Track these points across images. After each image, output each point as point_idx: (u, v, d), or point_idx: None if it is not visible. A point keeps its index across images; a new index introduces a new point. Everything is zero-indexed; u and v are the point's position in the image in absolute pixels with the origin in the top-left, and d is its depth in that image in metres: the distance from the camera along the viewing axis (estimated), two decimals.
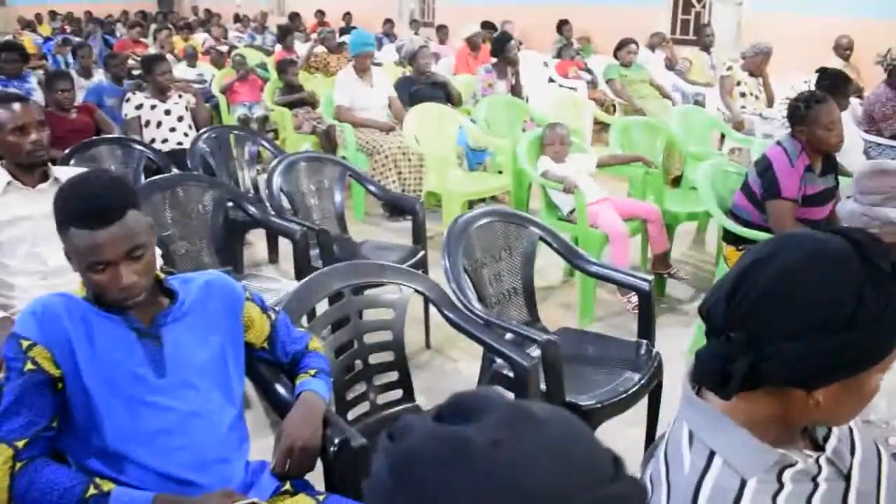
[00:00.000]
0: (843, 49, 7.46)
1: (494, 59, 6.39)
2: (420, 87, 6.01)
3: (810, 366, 0.93)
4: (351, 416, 2.14)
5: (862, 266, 0.93)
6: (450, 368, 3.41)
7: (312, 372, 1.76)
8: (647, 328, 2.69)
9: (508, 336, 2.42)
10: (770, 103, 6.22)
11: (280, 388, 1.78)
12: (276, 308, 1.86)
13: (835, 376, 0.95)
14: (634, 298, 3.84)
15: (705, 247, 5.02)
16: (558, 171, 4.14)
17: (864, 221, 1.68)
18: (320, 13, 13.86)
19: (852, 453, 1.08)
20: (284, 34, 9.13)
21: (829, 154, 3.20)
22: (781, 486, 0.98)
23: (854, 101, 5.09)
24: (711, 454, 0.99)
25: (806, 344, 0.92)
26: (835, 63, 6.70)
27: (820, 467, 1.02)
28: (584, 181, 4.11)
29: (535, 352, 2.29)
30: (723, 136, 5.89)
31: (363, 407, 2.18)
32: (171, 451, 1.53)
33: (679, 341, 3.52)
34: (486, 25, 9.68)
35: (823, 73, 4.44)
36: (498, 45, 6.37)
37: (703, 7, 10.12)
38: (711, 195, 3.44)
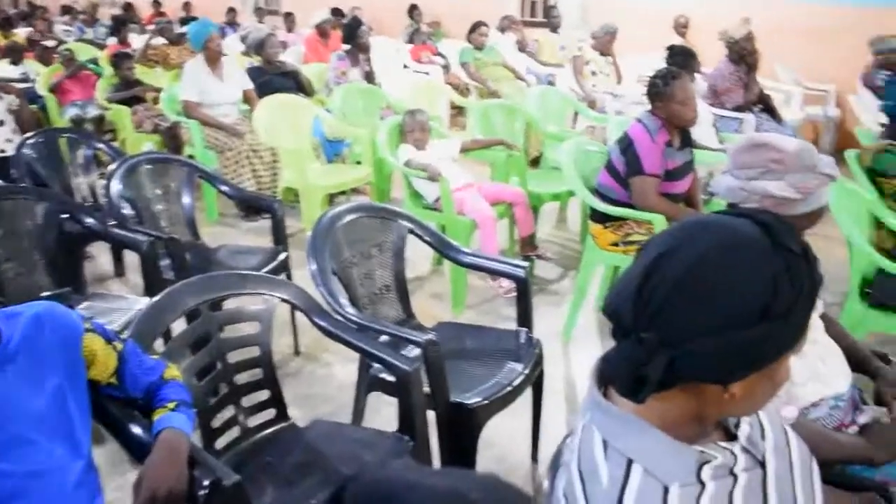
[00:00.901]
0: (681, 27, 7.84)
1: (347, 47, 6.21)
2: (269, 78, 5.72)
3: (727, 361, 0.89)
4: (220, 443, 1.95)
5: (774, 251, 0.89)
6: (322, 374, 3.24)
7: (171, 405, 1.55)
8: (525, 315, 2.63)
9: (384, 338, 2.29)
10: (619, 81, 6.39)
11: (135, 429, 1.55)
12: (123, 335, 1.63)
13: (751, 368, 0.90)
14: (506, 283, 3.82)
15: (568, 225, 5.11)
16: (421, 158, 4.04)
17: (743, 196, 1.68)
18: (156, 3, 13.04)
19: (763, 437, 1.06)
20: (119, 26, 8.61)
21: (685, 128, 3.27)
22: (703, 486, 0.94)
23: (697, 76, 5.29)
24: (629, 463, 0.94)
25: (723, 339, 0.87)
26: (674, 41, 6.99)
27: (736, 457, 0.99)
28: (448, 167, 4.03)
29: (414, 352, 2.18)
30: (576, 115, 6.00)
31: (233, 433, 1.99)
32: None
33: (551, 321, 3.53)
34: (336, 12, 9.48)
35: (673, 50, 4.57)
36: (349, 32, 6.21)
37: None
38: (576, 175, 3.44)
